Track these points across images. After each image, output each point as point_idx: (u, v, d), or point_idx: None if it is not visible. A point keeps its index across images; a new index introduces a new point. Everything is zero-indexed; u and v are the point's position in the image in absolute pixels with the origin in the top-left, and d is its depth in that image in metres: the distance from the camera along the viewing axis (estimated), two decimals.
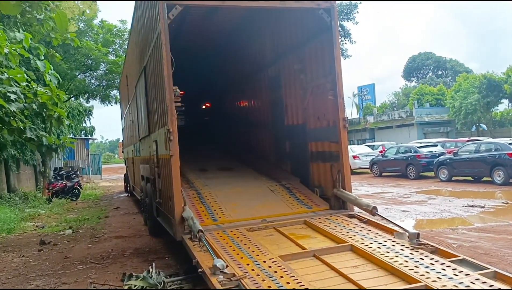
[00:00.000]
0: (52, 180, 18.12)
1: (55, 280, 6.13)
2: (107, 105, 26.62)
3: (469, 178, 17.55)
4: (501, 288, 3.86)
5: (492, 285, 3.89)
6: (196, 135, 11.65)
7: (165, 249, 7.60)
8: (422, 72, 71.17)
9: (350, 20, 42.87)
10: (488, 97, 35.85)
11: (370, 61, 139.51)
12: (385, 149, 24.15)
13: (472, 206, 11.16)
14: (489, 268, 4.32)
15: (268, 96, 9.88)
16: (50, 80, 8.81)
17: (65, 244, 8.68)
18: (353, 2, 42.33)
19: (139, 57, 9.31)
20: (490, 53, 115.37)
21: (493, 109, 39.39)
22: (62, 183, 17.44)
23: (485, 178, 16.75)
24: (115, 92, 25.54)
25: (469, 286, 3.90)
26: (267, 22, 9.16)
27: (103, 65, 24.25)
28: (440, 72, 69.24)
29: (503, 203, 11.79)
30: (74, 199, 17.00)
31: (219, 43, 10.24)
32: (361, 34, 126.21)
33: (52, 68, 9.05)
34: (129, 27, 17.53)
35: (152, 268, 5.56)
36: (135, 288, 5.12)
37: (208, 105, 15.25)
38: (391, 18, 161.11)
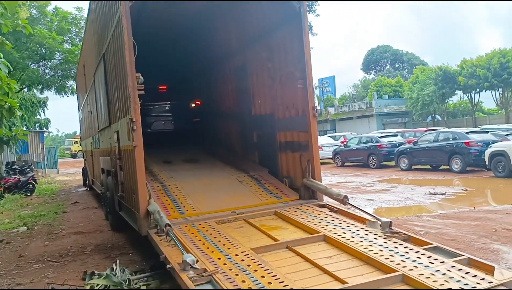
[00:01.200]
0: (4, 175, 17.12)
1: (8, 281, 5.69)
2: (63, 96, 25.53)
3: (428, 166, 18.06)
4: (477, 274, 3.86)
5: (468, 272, 3.88)
6: (160, 127, 11.23)
7: (129, 244, 7.26)
8: (380, 64, 72.83)
9: (312, 13, 43.09)
10: (444, 89, 37.13)
11: (330, 54, 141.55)
12: (347, 140, 24.51)
13: (434, 194, 11.44)
14: (462, 255, 4.33)
15: (234, 86, 9.64)
16: (0, 69, 8.18)
17: (19, 242, 8.14)
18: None
19: (98, 44, 8.81)
20: (444, 47, 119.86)
21: (448, 100, 40.86)
22: (15, 177, 16.51)
23: (443, 166, 17.29)
24: (71, 82, 24.49)
25: (445, 273, 3.87)
26: (233, 9, 8.89)
27: (58, 54, 23.14)
28: (397, 65, 71.10)
29: (462, 190, 12.16)
30: (29, 194, 16.13)
31: (183, 32, 9.87)
32: (321, 28, 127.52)
33: (1, 56, 8.41)
34: (85, 15, 16.73)
35: (116, 265, 5.24)
36: (97, 287, 4.80)
37: (172, 97, 14.82)
38: (349, 13, 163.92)
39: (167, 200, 6.71)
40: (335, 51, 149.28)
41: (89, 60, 11.03)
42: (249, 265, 4.31)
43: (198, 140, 11.80)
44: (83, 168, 18.28)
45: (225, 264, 4.41)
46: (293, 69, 7.03)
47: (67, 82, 24.73)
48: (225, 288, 3.85)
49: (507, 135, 17.45)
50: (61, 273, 5.80)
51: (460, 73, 35.38)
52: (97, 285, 4.81)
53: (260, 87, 8.33)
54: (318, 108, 57.31)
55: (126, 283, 4.83)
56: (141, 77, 5.72)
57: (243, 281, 3.96)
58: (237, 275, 4.11)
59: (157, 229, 5.34)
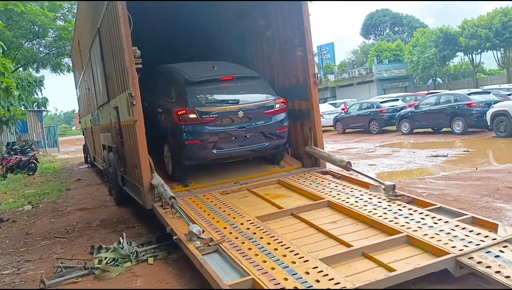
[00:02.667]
0: (6, 155, 17.15)
1: (17, 258, 5.77)
2: (59, 74, 25.23)
3: (430, 129, 18.02)
4: (479, 231, 3.89)
5: (471, 230, 3.91)
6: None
7: (134, 218, 7.33)
8: (379, 29, 71.60)
9: None
10: (445, 51, 36.57)
11: (328, 20, 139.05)
12: (347, 106, 24.38)
13: (436, 156, 11.44)
14: (466, 214, 4.36)
15: (233, 54, 9.49)
16: None
17: (25, 220, 8.22)
18: None
19: (92, 20, 8.62)
20: (445, 8, 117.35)
21: (449, 62, 40.37)
22: (16, 157, 16.54)
23: (444, 129, 17.24)
24: (67, 60, 24.15)
25: (449, 233, 3.90)
26: None
27: (52, 31, 22.72)
28: (397, 29, 69.89)
29: (464, 151, 12.17)
30: (31, 173, 16.21)
31: (179, 4, 9.63)
32: None
33: None
34: None
35: (122, 238, 5.30)
36: (105, 260, 4.86)
37: None
38: None
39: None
40: (333, 16, 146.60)
41: (84, 36, 10.83)
42: (254, 233, 4.36)
43: None
44: (83, 145, 18.28)
45: (231, 233, 4.45)
46: (292, 36, 6.91)
47: (62, 60, 24.38)
48: (232, 256, 3.90)
49: (509, 94, 17.31)
50: (68, 249, 5.87)
51: (461, 34, 34.77)
52: (105, 258, 4.88)
53: (259, 56, 8.20)
54: (318, 75, 56.58)
55: (134, 255, 4.90)
56: (138, 51, 5.62)
57: (250, 249, 4.01)
58: (243, 243, 4.16)
59: (162, 202, 5.37)
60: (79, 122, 18.64)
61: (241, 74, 6.80)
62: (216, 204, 5.45)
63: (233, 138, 6.11)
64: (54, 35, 22.83)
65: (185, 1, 7.72)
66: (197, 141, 5.94)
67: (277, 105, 6.36)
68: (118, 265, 4.72)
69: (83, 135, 17.93)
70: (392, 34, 67.50)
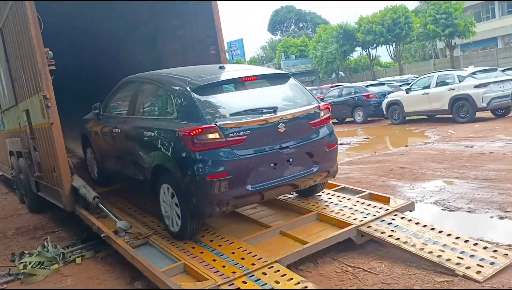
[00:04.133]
0: None
1: None
2: None
3: (335, 120, 19.45)
4: (375, 204, 4.60)
5: (369, 204, 4.62)
6: (73, 102, 10.76)
7: (53, 223, 7.16)
8: (285, 25, 74.36)
9: None
10: (345, 46, 39.27)
11: (236, 17, 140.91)
12: None
13: (340, 144, 12.53)
14: (365, 191, 5.08)
15: (146, 54, 9.56)
16: None
17: None
18: None
19: None
20: (344, 4, 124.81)
21: (349, 57, 43.39)
22: None
23: (348, 119, 18.75)
24: None
25: (351, 207, 4.57)
26: None
27: None
28: (301, 25, 73.12)
29: (364, 138, 13.47)
30: None
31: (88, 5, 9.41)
32: None
33: None
34: None
35: (47, 242, 5.26)
36: (30, 265, 4.83)
37: (84, 71, 14.15)
38: None
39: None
40: (242, 12, 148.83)
41: None
42: None
43: None
44: None
45: (158, 226, 4.70)
46: (205, 35, 7.21)
47: None
48: (162, 246, 4.17)
49: (400, 85, 19.31)
50: None
51: (359, 30, 37.61)
52: (30, 263, 4.84)
53: (173, 55, 8.40)
54: None
55: (60, 257, 4.91)
56: (50, 52, 5.55)
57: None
58: None
59: (84, 203, 5.41)
60: None
61: (266, 72, 4.99)
62: (141, 201, 5.62)
63: (273, 164, 4.16)
64: None
65: (94, 1, 7.66)
66: (224, 174, 3.89)
67: (323, 113, 4.56)
68: (45, 268, 4.72)
69: None
70: (297, 30, 70.49)
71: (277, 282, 3.32)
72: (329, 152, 4.57)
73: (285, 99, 4.60)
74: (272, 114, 4.16)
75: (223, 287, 3.31)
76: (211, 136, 3.88)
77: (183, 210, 4.08)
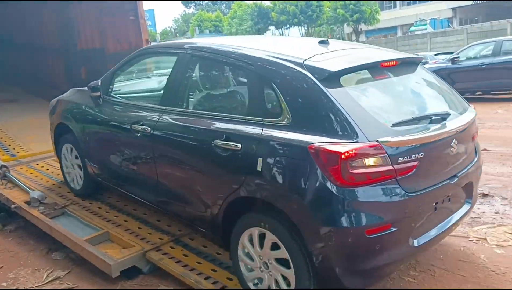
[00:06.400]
0: None
1: None
2: None
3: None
4: None
5: None
6: None
7: None
8: None
9: None
10: (259, 24, 39.74)
11: None
12: None
13: None
14: None
15: (55, 17, 8.84)
16: None
17: None
18: None
19: None
20: None
21: (263, 35, 44.07)
22: None
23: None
24: None
25: None
26: None
27: None
28: None
29: None
30: None
31: None
32: None
33: None
34: None
35: None
36: None
37: None
38: None
39: None
40: None
41: None
42: (101, 194, 4.52)
43: (16, 80, 10.55)
44: None
45: (76, 196, 4.52)
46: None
47: None
48: (82, 216, 4.04)
49: None
50: None
51: (273, 9, 38.24)
52: None
53: (86, 19, 7.90)
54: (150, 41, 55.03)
55: None
56: None
57: (99, 207, 4.20)
58: (91, 203, 4.31)
59: None
60: None
61: (404, 56, 3.07)
62: (53, 171, 5.32)
63: (434, 203, 2.63)
64: None
65: None
66: (387, 226, 2.35)
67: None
68: None
69: None
70: (211, 4, 69.44)
71: (205, 246, 3.41)
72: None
73: (438, 99, 3.08)
74: (442, 123, 2.62)
75: (150, 253, 3.33)
76: (373, 160, 2.29)
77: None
